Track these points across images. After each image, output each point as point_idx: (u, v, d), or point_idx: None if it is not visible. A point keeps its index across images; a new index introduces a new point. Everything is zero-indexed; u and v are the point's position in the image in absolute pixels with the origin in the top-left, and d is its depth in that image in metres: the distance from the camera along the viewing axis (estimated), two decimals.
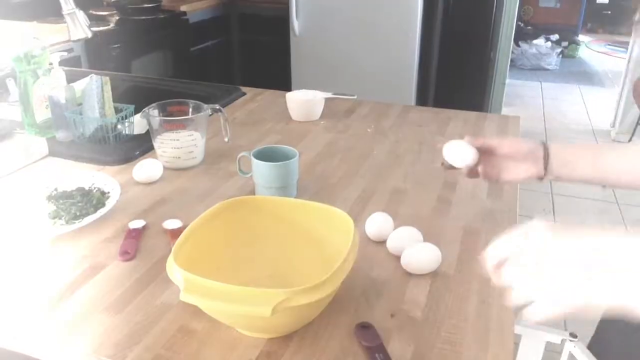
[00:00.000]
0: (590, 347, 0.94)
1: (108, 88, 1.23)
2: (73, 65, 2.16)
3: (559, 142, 0.88)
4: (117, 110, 1.25)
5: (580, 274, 0.49)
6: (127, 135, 1.25)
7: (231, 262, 0.77)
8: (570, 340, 0.96)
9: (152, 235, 0.91)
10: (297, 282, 0.64)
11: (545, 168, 0.85)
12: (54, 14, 2.32)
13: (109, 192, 0.99)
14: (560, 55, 5.19)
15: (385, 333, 0.70)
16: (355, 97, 1.51)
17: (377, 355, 0.65)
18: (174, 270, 0.66)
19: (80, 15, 1.29)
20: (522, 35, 5.17)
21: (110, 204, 0.95)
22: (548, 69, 5.08)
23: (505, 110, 3.44)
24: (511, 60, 3.65)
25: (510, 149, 0.87)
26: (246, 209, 0.81)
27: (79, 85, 1.29)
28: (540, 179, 0.87)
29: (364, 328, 0.70)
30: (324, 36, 2.97)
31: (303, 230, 0.80)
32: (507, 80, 3.28)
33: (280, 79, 2.95)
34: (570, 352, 0.97)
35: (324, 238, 0.79)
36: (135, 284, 0.79)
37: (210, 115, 1.19)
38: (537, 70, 5.09)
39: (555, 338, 0.99)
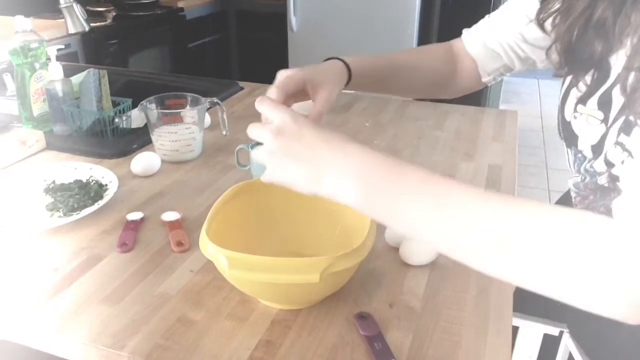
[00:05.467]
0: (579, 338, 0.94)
1: (105, 81, 1.23)
2: (70, 61, 2.15)
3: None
4: (115, 104, 1.25)
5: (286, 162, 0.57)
6: (124, 128, 1.24)
7: (248, 242, 0.79)
8: (568, 333, 0.96)
9: (150, 227, 0.91)
10: (315, 255, 0.67)
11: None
12: (51, 9, 2.32)
13: (106, 185, 0.99)
14: None
15: (384, 323, 0.70)
16: (354, 91, 1.51)
17: (375, 344, 0.65)
18: (208, 248, 0.68)
19: (78, 8, 1.29)
20: None
21: (108, 196, 0.95)
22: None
23: (502, 107, 3.45)
24: None
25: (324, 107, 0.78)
26: (259, 190, 0.83)
27: (77, 79, 1.29)
28: None
29: (363, 318, 0.70)
30: (322, 32, 2.98)
31: (314, 206, 0.82)
32: (504, 78, 3.28)
33: None
34: (566, 344, 0.98)
35: (334, 212, 0.80)
36: (134, 275, 0.79)
37: (208, 108, 1.18)
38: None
39: (553, 330, 0.99)
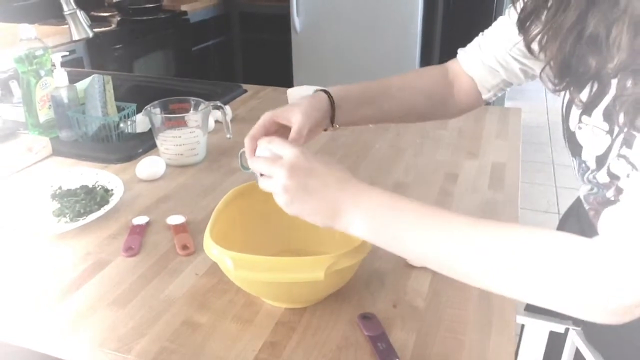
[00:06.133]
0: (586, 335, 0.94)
1: (110, 87, 1.24)
2: (75, 67, 2.17)
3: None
4: (120, 109, 1.26)
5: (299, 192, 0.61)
6: (129, 133, 1.26)
7: (249, 242, 0.79)
8: (573, 329, 0.96)
9: (155, 231, 0.92)
10: (316, 254, 0.69)
11: (332, 122, 0.82)
12: (56, 16, 2.34)
13: (112, 190, 1.00)
14: None
15: (388, 323, 0.71)
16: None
17: (379, 344, 0.66)
18: (212, 249, 0.69)
19: (81, 15, 1.30)
20: None
21: (113, 201, 0.96)
22: None
23: (507, 104, 3.44)
24: None
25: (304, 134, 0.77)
26: (259, 191, 0.83)
27: (81, 85, 1.30)
28: (325, 130, 0.84)
29: (367, 318, 0.70)
30: (325, 33, 2.98)
31: None
32: None
33: (282, 76, 2.96)
34: (572, 341, 0.98)
35: None
36: (140, 279, 0.80)
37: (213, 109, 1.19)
38: None
39: (559, 327, 0.99)
